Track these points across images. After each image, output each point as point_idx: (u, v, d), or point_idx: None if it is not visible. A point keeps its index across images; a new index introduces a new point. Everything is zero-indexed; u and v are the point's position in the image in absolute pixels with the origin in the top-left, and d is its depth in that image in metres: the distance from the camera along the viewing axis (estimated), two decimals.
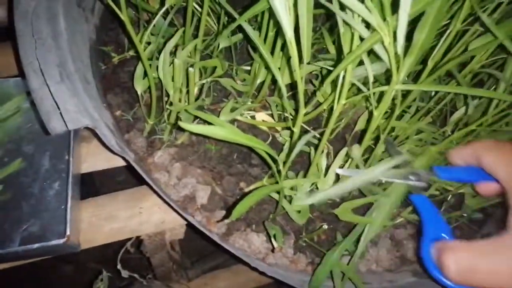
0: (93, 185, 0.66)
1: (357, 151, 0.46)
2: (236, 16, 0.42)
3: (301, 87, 0.34)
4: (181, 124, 0.30)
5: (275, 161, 0.39)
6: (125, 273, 0.58)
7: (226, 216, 0.46)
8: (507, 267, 0.28)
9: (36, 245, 0.48)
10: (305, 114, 0.57)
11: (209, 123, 0.33)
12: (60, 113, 0.37)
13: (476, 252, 0.29)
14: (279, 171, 0.42)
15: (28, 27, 0.39)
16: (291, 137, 0.48)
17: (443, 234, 0.36)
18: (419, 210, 0.39)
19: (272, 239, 0.45)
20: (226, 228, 0.48)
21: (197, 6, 0.52)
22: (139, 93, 0.49)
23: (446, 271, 0.30)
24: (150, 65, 0.50)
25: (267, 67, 0.52)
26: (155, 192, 0.48)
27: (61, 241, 0.48)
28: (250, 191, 0.54)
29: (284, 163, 0.41)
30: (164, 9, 0.43)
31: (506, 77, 0.45)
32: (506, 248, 0.28)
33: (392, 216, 0.55)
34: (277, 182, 0.42)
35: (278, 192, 0.46)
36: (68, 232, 0.49)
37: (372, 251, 0.53)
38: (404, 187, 0.42)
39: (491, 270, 0.28)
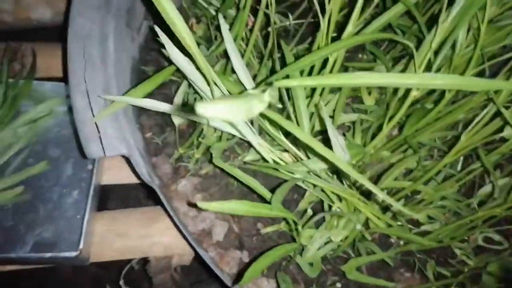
0: (109, 198, 0.66)
1: None
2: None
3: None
4: (200, 204, 0.31)
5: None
6: None
7: (236, 281, 0.45)
8: None
9: (48, 254, 0.48)
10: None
11: None
12: (100, 138, 0.38)
13: None
14: (297, 229, 0.42)
15: (80, 48, 0.40)
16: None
17: None
18: None
19: None
20: (238, 269, 0.47)
21: (242, 43, 0.53)
22: (176, 124, 0.49)
23: None
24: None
25: None
26: (172, 221, 0.48)
27: (73, 254, 0.48)
28: (267, 233, 0.54)
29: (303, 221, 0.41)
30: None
31: None
32: None
33: None
34: (293, 238, 0.42)
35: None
36: (81, 246, 0.49)
37: None
38: None
39: None
